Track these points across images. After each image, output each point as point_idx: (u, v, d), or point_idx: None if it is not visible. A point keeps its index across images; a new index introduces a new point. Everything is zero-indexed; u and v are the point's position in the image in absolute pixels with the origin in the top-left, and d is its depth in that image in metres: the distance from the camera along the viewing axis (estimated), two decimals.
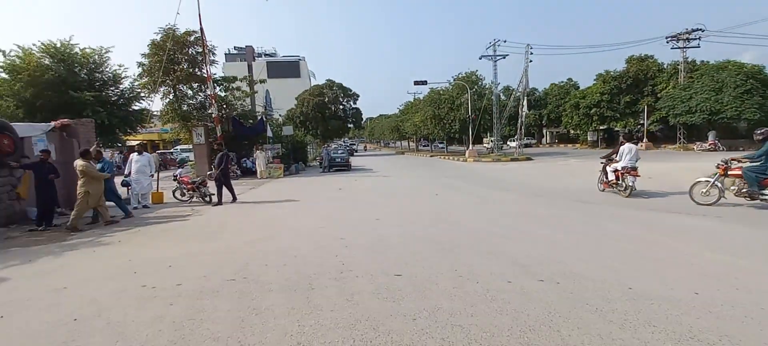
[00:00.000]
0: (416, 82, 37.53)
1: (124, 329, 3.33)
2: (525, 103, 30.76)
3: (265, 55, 76.94)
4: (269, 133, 20.45)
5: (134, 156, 10.66)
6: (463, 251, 5.38)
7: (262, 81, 23.94)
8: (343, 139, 68.51)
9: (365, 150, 71.04)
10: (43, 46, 19.33)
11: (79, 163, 8.01)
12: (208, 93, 18.67)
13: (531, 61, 29.62)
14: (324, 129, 46.40)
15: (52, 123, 10.29)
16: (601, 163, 10.84)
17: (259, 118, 22.09)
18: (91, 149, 8.85)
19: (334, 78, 75.83)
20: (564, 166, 20.76)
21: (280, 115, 32.14)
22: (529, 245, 5.60)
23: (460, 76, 36.06)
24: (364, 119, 67.67)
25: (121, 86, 22.18)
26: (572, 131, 48.89)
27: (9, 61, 18.26)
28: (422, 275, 4.44)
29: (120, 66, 21.79)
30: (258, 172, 18.60)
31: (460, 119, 33.26)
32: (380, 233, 6.63)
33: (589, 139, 44.48)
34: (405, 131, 48.95)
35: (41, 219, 8.04)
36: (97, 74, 21.60)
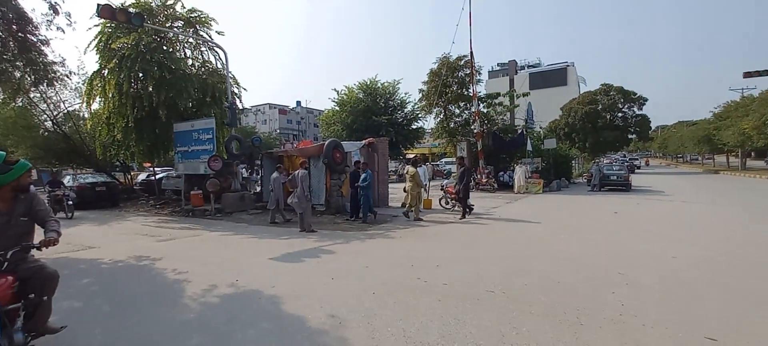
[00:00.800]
0: (747, 74, 26.70)
1: (406, 311, 3.94)
2: None
3: (528, 66, 75.63)
4: (529, 147, 19.86)
5: (409, 168, 12.65)
6: None
7: (525, 94, 23.58)
8: (620, 153, 57.74)
9: (646, 165, 57.30)
10: (359, 84, 26.56)
11: (411, 169, 10.72)
12: (473, 110, 20.14)
13: None
14: (594, 141, 40.12)
15: (364, 141, 13.83)
16: None
17: (519, 131, 21.90)
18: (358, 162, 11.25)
19: (612, 81, 64.44)
20: None
21: (541, 128, 30.71)
22: None
23: None
24: (653, 128, 53.14)
25: (405, 110, 27.58)
26: None
27: (340, 98, 26.39)
28: None
29: (406, 93, 26.85)
30: (515, 186, 18.37)
31: None
32: (678, 276, 5.03)
33: None
34: (721, 142, 35.59)
35: (353, 213, 10.82)
36: (390, 102, 27.59)
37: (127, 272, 5.93)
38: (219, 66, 15.85)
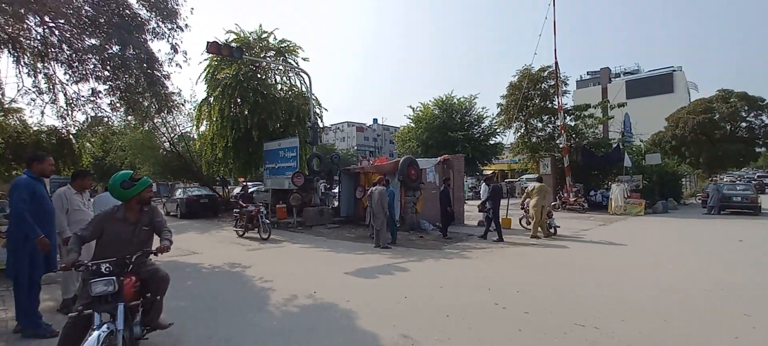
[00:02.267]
0: None
1: (482, 338, 3.72)
2: None
3: (625, 73, 68.11)
4: (627, 163, 17.76)
5: (482, 186, 12.19)
6: None
7: (621, 105, 21.26)
8: (744, 169, 48.80)
9: None
10: (434, 100, 26.50)
11: (539, 185, 10.43)
12: (558, 124, 18.75)
13: None
14: (710, 155, 34.26)
15: (439, 158, 13.68)
16: None
17: (613, 145, 19.75)
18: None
19: (732, 86, 54.49)
20: None
21: (641, 141, 27.31)
22: None
23: None
24: None
25: (482, 125, 26.79)
26: None
27: (415, 114, 26.57)
28: None
29: (483, 109, 26.01)
30: (611, 206, 16.49)
31: None
32: None
33: None
34: None
35: (445, 231, 10.50)
36: (467, 117, 27.02)
37: (223, 277, 6.58)
38: (303, 89, 17.19)
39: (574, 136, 19.98)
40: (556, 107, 18.81)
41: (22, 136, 11.83)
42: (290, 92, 17.37)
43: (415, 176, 11.88)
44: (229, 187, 23.30)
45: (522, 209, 12.52)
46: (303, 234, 11.80)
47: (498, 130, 25.62)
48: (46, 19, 7.88)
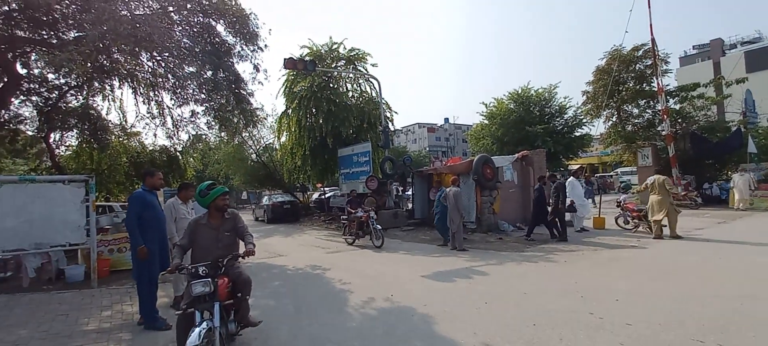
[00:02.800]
0: None
1: None
2: None
3: (742, 43, 57.44)
4: (751, 148, 14.91)
5: (573, 180, 11.02)
6: None
7: (740, 81, 17.90)
8: None
9: None
10: (509, 94, 25.12)
11: (662, 177, 9.02)
12: (659, 108, 16.48)
13: None
14: None
15: (516, 155, 12.88)
16: None
17: (733, 129, 16.71)
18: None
19: None
20: None
21: None
22: None
23: None
24: None
25: (565, 116, 24.66)
26: None
27: (489, 111, 25.41)
28: None
29: (565, 98, 23.98)
30: (733, 200, 13.95)
31: None
32: None
33: None
34: None
35: (530, 232, 9.71)
36: (546, 109, 25.16)
37: (305, 279, 6.93)
38: (373, 94, 17.56)
39: (679, 120, 17.33)
40: (655, 90, 16.55)
41: (141, 155, 13.89)
42: (361, 98, 17.91)
43: (491, 175, 11.34)
44: (308, 192, 24.78)
45: (618, 206, 11.24)
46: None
47: (584, 121, 23.38)
48: (155, 53, 9.13)
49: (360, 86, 18.35)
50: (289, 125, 17.91)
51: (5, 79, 9.01)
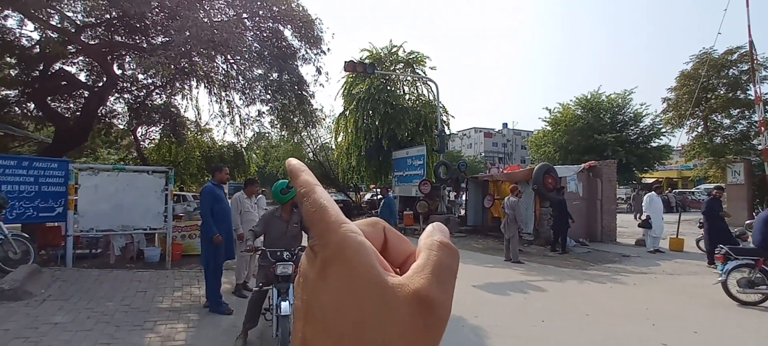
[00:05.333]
0: None
1: None
2: None
3: None
4: None
5: (653, 195, 10.13)
6: None
7: None
8: None
9: None
10: (576, 100, 23.51)
11: None
12: (756, 119, 14.49)
13: None
14: None
15: (582, 165, 12.03)
16: None
17: None
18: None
19: None
20: None
21: None
22: None
23: None
24: None
25: (640, 125, 22.56)
26: None
27: (552, 117, 23.96)
28: None
29: (641, 105, 22.03)
30: None
31: None
32: None
33: None
34: None
35: (555, 245, 9.51)
36: (619, 116, 23.22)
37: None
38: (430, 97, 17.44)
39: None
40: (752, 98, 14.56)
41: (211, 149, 15.10)
42: (418, 101, 17.87)
43: (553, 185, 10.69)
44: (360, 193, 25.26)
45: (699, 227, 10.03)
46: None
47: (663, 130, 21.23)
48: (229, 57, 9.88)
49: (417, 89, 18.33)
50: (346, 126, 18.37)
51: (104, 79, 10.27)
